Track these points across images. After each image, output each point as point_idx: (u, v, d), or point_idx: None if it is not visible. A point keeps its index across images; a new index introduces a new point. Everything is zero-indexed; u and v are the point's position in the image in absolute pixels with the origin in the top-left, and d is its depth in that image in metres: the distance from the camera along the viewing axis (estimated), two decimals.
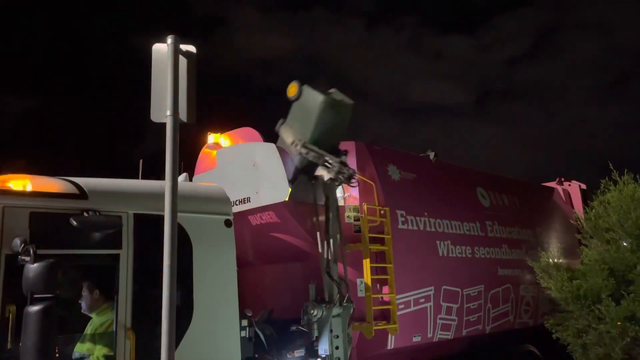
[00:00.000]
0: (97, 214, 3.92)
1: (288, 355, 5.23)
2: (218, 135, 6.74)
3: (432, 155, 7.41)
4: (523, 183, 9.42)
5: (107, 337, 4.00)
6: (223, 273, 4.53)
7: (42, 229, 3.72)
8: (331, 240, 5.27)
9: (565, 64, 47.13)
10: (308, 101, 5.37)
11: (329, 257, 5.26)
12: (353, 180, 5.31)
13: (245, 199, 5.91)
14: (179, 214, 3.65)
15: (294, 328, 5.31)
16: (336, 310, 5.19)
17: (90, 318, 4.22)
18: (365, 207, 5.98)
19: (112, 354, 3.91)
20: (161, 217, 3.60)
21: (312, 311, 5.13)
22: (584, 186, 9.82)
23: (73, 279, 4.17)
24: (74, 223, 3.77)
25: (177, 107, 3.74)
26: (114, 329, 3.92)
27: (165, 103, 3.73)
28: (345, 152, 5.53)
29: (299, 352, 5.31)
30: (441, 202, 7.06)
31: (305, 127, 5.35)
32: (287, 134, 5.49)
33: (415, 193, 6.74)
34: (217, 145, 6.67)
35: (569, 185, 9.89)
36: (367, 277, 5.82)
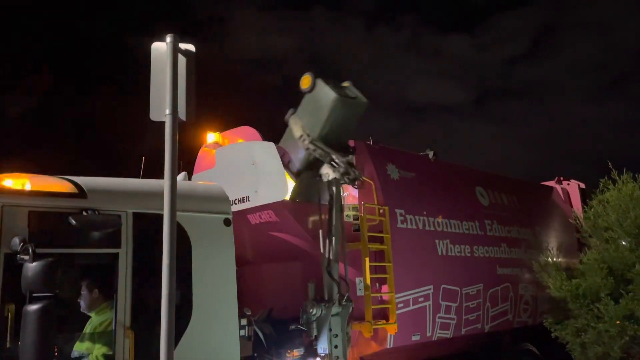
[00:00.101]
0: (96, 213, 3.92)
1: (287, 354, 5.23)
2: (217, 134, 6.73)
3: (431, 154, 7.40)
4: (522, 182, 9.43)
5: (106, 336, 4.00)
6: (222, 272, 4.53)
7: (41, 228, 3.71)
8: (333, 239, 5.26)
9: (565, 64, 47.16)
10: (320, 96, 5.25)
11: (330, 257, 5.24)
12: (358, 183, 5.28)
13: (245, 198, 5.91)
14: (178, 213, 3.65)
15: (293, 327, 5.31)
16: (335, 309, 5.19)
17: (89, 317, 4.22)
18: (364, 206, 5.98)
19: (111, 353, 3.91)
20: (160, 216, 3.60)
21: (311, 310, 5.13)
22: (583, 185, 9.82)
23: (72, 278, 4.16)
24: (73, 222, 3.77)
25: (176, 105, 3.73)
26: (113, 328, 3.93)
27: (164, 102, 3.73)
28: (353, 151, 5.45)
29: (298, 351, 5.31)
30: (440, 201, 7.06)
31: (315, 122, 5.26)
32: (295, 126, 5.38)
33: (414, 192, 6.74)
34: (216, 144, 6.67)
35: (568, 184, 9.89)
36: (366, 276, 5.83)
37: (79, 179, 4.12)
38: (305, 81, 5.32)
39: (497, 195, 8.13)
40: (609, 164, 7.50)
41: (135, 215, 4.11)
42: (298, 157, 5.50)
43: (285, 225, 5.83)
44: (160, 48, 3.82)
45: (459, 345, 7.11)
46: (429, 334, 6.47)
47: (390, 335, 6.01)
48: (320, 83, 5.24)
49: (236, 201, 5.83)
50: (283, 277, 6.06)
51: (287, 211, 5.72)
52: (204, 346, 4.28)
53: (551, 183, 9.89)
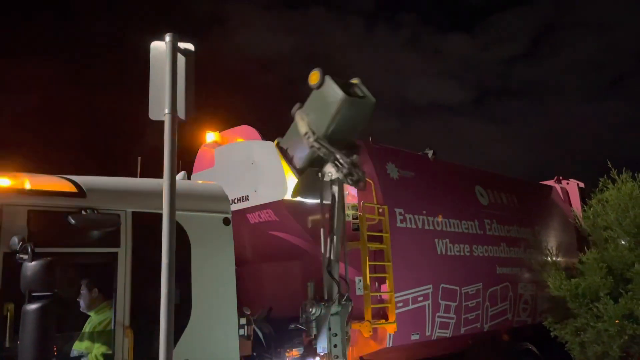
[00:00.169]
0: (95, 212, 3.92)
1: (286, 354, 5.23)
2: (217, 133, 6.73)
3: (430, 153, 7.39)
4: (521, 181, 9.44)
5: (105, 336, 4.00)
6: (221, 271, 4.53)
7: (40, 227, 3.72)
8: (335, 239, 5.25)
9: (564, 63, 47.16)
10: (328, 94, 5.14)
11: (331, 256, 5.23)
12: (361, 184, 5.24)
13: (244, 197, 5.91)
14: (177, 212, 3.64)
15: (292, 326, 5.31)
16: (335, 309, 5.18)
17: (88, 316, 4.22)
18: (363, 205, 5.98)
19: (110, 352, 3.91)
20: (159, 216, 3.60)
21: (310, 309, 5.12)
22: (582, 184, 9.82)
23: (71, 277, 4.16)
24: (72, 221, 3.77)
25: (176, 105, 3.73)
26: (113, 327, 3.92)
27: (163, 101, 3.73)
28: (358, 151, 5.40)
29: (298, 351, 5.31)
30: (440, 200, 7.06)
31: (321, 120, 5.17)
32: (301, 122, 5.30)
33: (413, 191, 6.74)
34: (215, 144, 6.67)
35: (567, 183, 9.89)
36: (366, 275, 5.83)
37: (78, 178, 4.12)
38: (314, 77, 5.21)
39: (497, 195, 8.13)
40: (608, 163, 7.51)
41: (134, 214, 4.11)
42: (302, 154, 5.43)
43: (285, 224, 5.83)
44: (160, 47, 3.81)
45: (458, 345, 7.11)
46: (428, 333, 6.47)
47: (390, 335, 6.01)
48: (328, 80, 5.14)
49: (235, 200, 5.83)
50: (282, 277, 6.06)
51: (287, 210, 5.72)
52: (203, 345, 4.28)
53: (550, 182, 9.89)
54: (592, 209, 7.66)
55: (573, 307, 7.13)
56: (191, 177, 6.52)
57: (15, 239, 3.51)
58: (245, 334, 4.80)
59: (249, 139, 6.35)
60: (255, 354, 5.01)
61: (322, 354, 5.17)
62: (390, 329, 5.97)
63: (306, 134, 5.22)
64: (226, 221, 4.63)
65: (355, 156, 5.23)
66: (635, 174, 7.35)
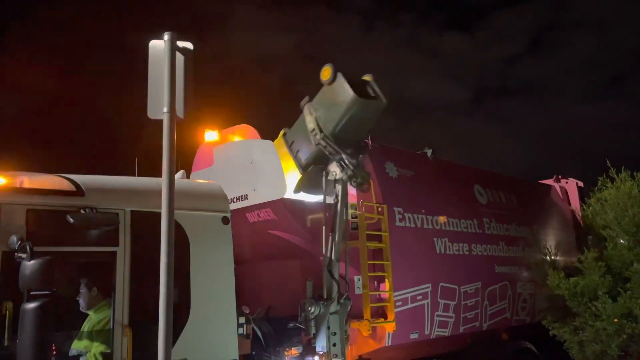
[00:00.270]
0: (94, 211, 3.91)
1: (285, 353, 5.24)
2: (216, 132, 6.72)
3: (429, 152, 7.39)
4: (520, 180, 9.43)
5: (104, 335, 4.00)
6: (220, 270, 4.53)
7: (39, 226, 3.71)
8: (336, 238, 5.24)
9: (564, 62, 47.15)
10: (339, 92, 5.04)
11: (332, 255, 5.23)
12: (364, 187, 5.22)
13: (243, 196, 5.90)
14: (176, 211, 3.64)
15: (291, 325, 5.31)
16: (334, 308, 5.18)
17: (87, 315, 4.21)
18: (362, 204, 5.98)
19: (109, 351, 3.91)
20: (158, 214, 3.59)
21: (309, 308, 5.12)
22: (581, 183, 9.83)
23: (70, 276, 4.16)
24: (71, 220, 3.77)
25: (174, 103, 3.73)
26: (111, 326, 3.92)
27: (162, 100, 3.72)
28: (364, 151, 5.35)
29: (297, 349, 5.32)
30: (439, 199, 7.07)
31: (329, 118, 5.10)
32: (309, 116, 5.21)
33: (412, 190, 6.74)
34: (214, 142, 6.66)
35: (566, 182, 9.90)
36: (365, 274, 5.83)
37: (76, 177, 4.12)
38: (326, 72, 5.09)
39: (496, 194, 8.14)
40: (607, 162, 7.53)
41: (133, 213, 4.10)
42: (307, 149, 5.36)
43: (284, 223, 5.83)
44: (158, 46, 3.81)
45: (457, 344, 7.12)
46: (427, 332, 6.48)
47: (389, 333, 6.01)
48: (340, 78, 5.02)
49: (234, 199, 5.83)
50: (281, 275, 6.06)
51: (286, 209, 5.72)
52: (202, 344, 4.28)
53: (549, 181, 9.89)
54: (591, 208, 7.70)
55: (572, 306, 7.15)
56: (190, 176, 6.51)
57: (13, 238, 3.50)
58: (244, 333, 4.80)
59: (248, 137, 6.34)
60: (254, 352, 5.01)
61: (321, 352, 5.17)
62: (389, 327, 5.97)
63: (313, 130, 5.15)
64: (225, 220, 4.62)
65: (361, 157, 5.19)
66: (634, 173, 7.37)
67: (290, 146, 5.53)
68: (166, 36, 3.79)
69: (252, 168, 5.86)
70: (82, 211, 3.86)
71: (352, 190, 6.06)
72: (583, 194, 9.55)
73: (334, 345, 5.14)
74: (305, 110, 5.29)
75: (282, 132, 5.72)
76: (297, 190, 5.45)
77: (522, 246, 8.12)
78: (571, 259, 8.18)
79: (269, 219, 5.85)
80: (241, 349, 4.62)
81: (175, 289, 3.59)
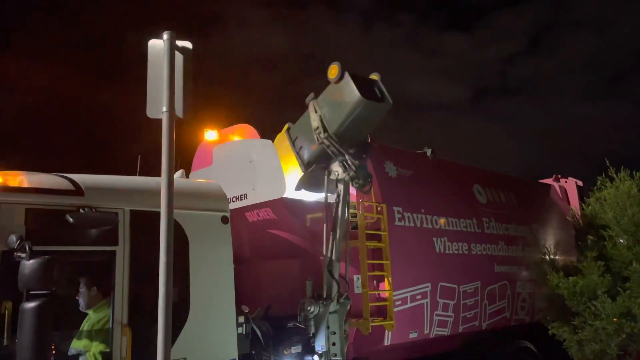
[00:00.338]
0: (93, 210, 3.91)
1: (285, 352, 5.24)
2: (215, 131, 6.72)
3: (429, 152, 7.38)
4: (520, 180, 9.43)
5: (104, 334, 4.00)
6: (220, 270, 4.53)
7: (38, 225, 3.71)
8: (337, 238, 5.24)
9: (563, 61, 47.19)
10: (345, 92, 5.00)
11: (333, 255, 5.23)
12: (366, 188, 5.20)
13: (242, 196, 5.90)
14: (175, 211, 3.64)
15: (290, 325, 5.31)
16: (333, 307, 5.18)
17: (86, 314, 4.21)
18: (362, 203, 5.98)
19: (108, 350, 3.91)
20: (157, 214, 3.60)
21: (309, 308, 5.12)
22: (580, 183, 9.83)
23: (69, 275, 4.16)
24: (70, 220, 3.77)
25: (173, 103, 3.73)
26: (111, 326, 3.92)
27: (161, 99, 3.72)
28: (367, 151, 5.32)
29: (296, 349, 5.32)
30: (438, 199, 7.07)
31: (334, 117, 5.06)
32: (314, 114, 5.18)
33: (412, 190, 6.74)
34: (214, 142, 6.66)
35: (566, 182, 9.90)
36: (364, 273, 5.83)
37: (76, 177, 4.12)
38: (333, 71, 5.04)
39: (495, 193, 8.14)
40: (607, 161, 7.52)
41: (132, 212, 4.10)
42: (310, 147, 5.33)
43: (283, 222, 5.83)
44: (157, 45, 3.81)
45: (456, 343, 7.12)
46: (426, 332, 6.48)
47: (388, 333, 6.01)
48: (347, 78, 4.97)
49: (234, 199, 5.83)
50: (281, 275, 6.06)
51: (285, 209, 5.72)
52: (201, 344, 4.28)
53: (549, 181, 9.89)
54: (590, 207, 7.69)
55: (571, 305, 7.14)
56: (189, 176, 6.51)
57: (13, 237, 3.50)
58: (244, 332, 4.80)
59: (248, 137, 6.34)
60: (253, 352, 5.01)
61: (321, 352, 5.18)
62: (388, 327, 5.97)
63: (317, 128, 5.13)
64: (224, 219, 4.63)
65: (364, 157, 5.17)
66: (634, 173, 7.37)
67: (293, 142, 5.49)
68: (165, 35, 3.79)
69: (252, 167, 5.86)
70: (81, 210, 3.86)
71: (351, 190, 6.06)
72: (582, 194, 9.55)
73: (333, 344, 5.15)
74: (311, 107, 5.26)
75: (286, 127, 5.68)
76: (298, 188, 5.43)
77: (522, 246, 8.12)
78: (570, 258, 8.18)
79: (269, 218, 5.85)
80: (240, 348, 4.63)
81: (174, 288, 3.59)
